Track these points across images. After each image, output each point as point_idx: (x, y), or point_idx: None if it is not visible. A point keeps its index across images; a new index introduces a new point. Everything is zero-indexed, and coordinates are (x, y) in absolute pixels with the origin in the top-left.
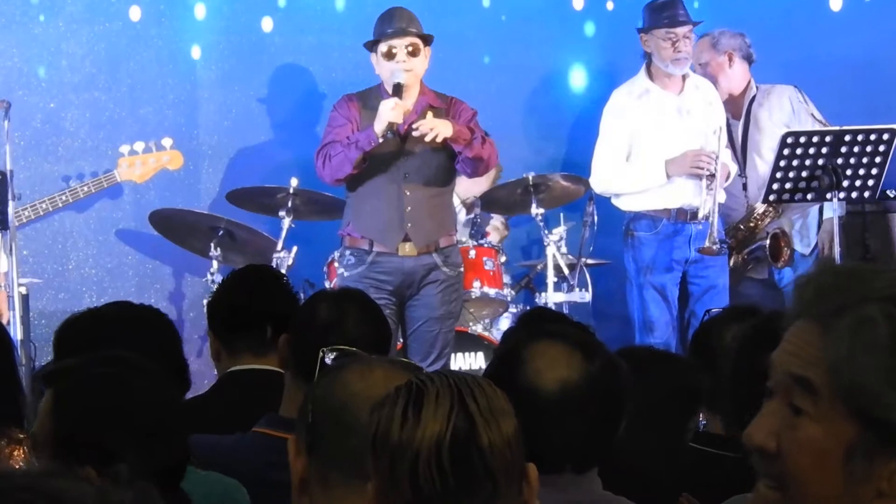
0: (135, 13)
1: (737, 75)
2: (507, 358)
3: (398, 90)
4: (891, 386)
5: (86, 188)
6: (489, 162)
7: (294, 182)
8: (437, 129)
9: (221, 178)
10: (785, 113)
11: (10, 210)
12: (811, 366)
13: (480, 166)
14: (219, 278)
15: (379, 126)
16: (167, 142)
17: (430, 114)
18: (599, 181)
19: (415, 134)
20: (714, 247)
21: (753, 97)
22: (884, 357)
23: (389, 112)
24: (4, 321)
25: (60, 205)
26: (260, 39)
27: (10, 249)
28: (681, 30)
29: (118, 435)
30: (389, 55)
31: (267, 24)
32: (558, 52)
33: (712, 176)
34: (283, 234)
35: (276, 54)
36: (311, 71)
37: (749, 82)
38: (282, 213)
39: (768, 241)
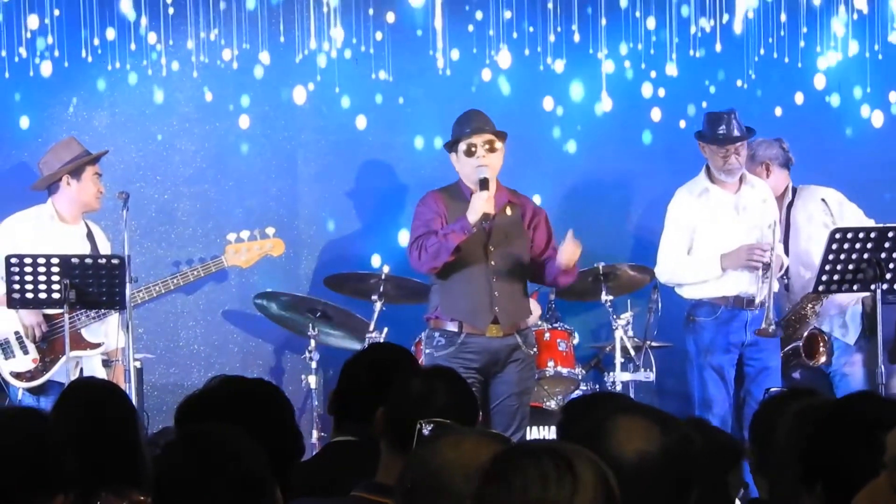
0: (244, 113)
1: (773, 182)
2: (590, 429)
3: (485, 184)
4: None
5: (196, 272)
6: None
7: (386, 269)
8: (576, 256)
9: (318, 265)
10: (818, 214)
11: (128, 292)
12: None
13: (567, 284)
14: (316, 356)
15: (473, 216)
16: (270, 230)
17: (571, 241)
18: (663, 272)
19: (563, 261)
20: (770, 328)
21: (790, 202)
22: None
23: (483, 203)
24: None
25: (172, 287)
26: (355, 137)
27: (128, 327)
28: (732, 146)
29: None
30: (470, 152)
31: (361, 122)
32: (627, 156)
33: (768, 266)
34: (375, 316)
35: (368, 151)
36: (402, 168)
37: (787, 187)
38: (374, 297)
39: (803, 342)
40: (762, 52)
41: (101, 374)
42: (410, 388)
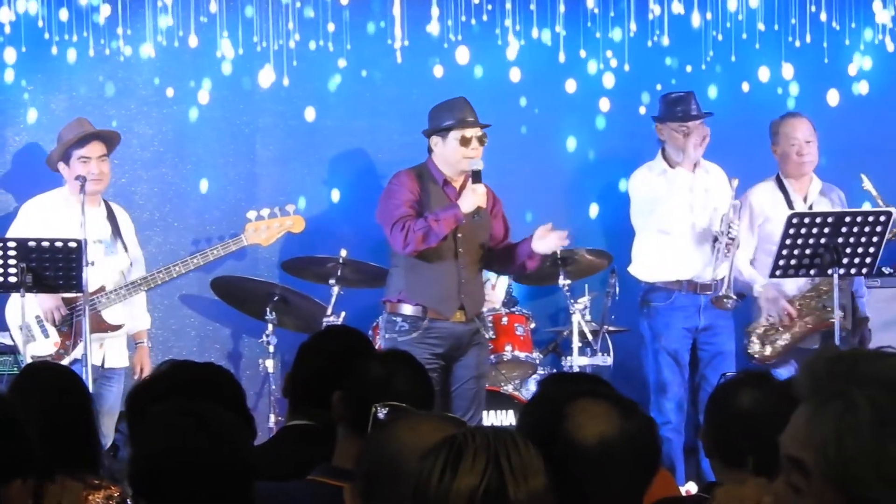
0: (203, 96)
1: None
2: (549, 412)
3: (478, 176)
4: (873, 466)
5: (216, 251)
6: None
7: (343, 253)
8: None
9: (276, 249)
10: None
11: (85, 275)
12: (805, 448)
13: (533, 269)
14: (274, 340)
15: (467, 207)
16: (290, 207)
17: (556, 234)
18: (639, 269)
19: (541, 249)
20: (726, 300)
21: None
22: (866, 439)
23: (479, 197)
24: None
25: (193, 267)
26: (313, 121)
27: (84, 311)
28: (692, 123)
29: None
30: (465, 141)
31: (320, 106)
32: (579, 142)
33: (731, 240)
34: (333, 300)
35: (327, 136)
36: (360, 152)
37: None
38: (331, 282)
39: None
40: (720, 38)
41: (124, 355)
42: (368, 372)
